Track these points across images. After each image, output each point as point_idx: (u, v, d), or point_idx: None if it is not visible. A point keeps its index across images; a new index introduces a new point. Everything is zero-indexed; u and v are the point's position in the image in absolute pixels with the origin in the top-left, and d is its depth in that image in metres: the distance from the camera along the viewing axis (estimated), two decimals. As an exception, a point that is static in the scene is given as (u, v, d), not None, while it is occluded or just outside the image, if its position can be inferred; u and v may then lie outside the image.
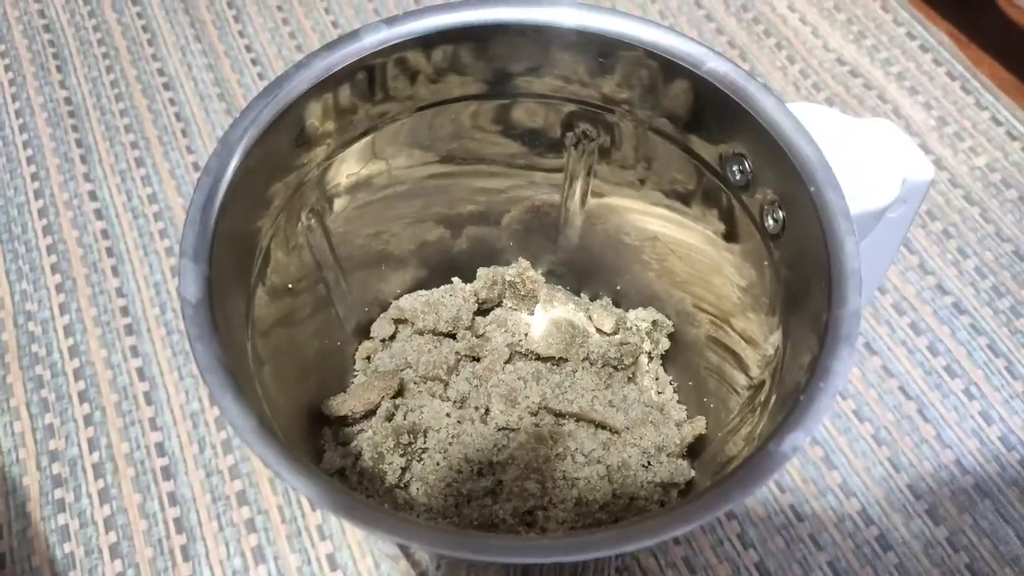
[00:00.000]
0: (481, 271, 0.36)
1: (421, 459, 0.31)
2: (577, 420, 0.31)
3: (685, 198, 0.31)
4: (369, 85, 0.28)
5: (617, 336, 0.35)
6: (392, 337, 0.35)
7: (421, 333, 0.34)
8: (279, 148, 0.26)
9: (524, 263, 0.35)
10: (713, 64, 0.26)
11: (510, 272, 0.35)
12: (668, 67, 0.27)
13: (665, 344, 0.35)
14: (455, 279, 0.36)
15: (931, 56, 0.51)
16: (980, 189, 0.47)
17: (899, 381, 0.41)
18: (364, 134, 0.29)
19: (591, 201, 0.35)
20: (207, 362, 0.20)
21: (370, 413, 0.32)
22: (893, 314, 0.43)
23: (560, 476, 0.30)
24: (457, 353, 0.33)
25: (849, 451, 0.39)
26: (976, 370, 0.41)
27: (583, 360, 0.33)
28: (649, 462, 0.31)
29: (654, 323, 0.35)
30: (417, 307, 0.34)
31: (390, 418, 0.31)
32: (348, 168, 0.30)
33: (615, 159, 0.32)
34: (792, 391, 0.23)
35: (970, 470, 0.39)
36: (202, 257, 0.22)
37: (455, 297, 0.35)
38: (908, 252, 0.45)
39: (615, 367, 0.34)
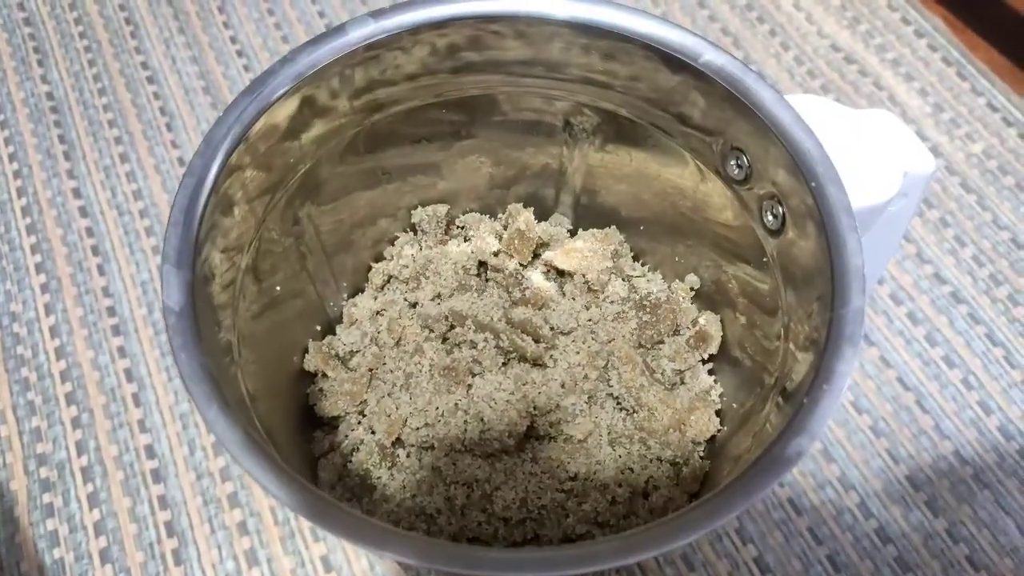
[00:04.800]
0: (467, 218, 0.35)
1: (409, 454, 0.30)
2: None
3: (683, 192, 0.30)
4: (355, 80, 0.27)
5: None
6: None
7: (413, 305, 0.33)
8: (264, 145, 0.25)
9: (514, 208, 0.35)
10: (709, 56, 0.25)
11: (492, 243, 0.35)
12: (663, 59, 0.26)
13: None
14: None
15: (926, 42, 0.51)
16: (977, 176, 0.46)
17: (897, 372, 0.41)
18: (351, 129, 0.29)
19: (584, 191, 0.34)
20: (191, 372, 0.20)
21: (360, 412, 0.31)
22: (891, 304, 0.42)
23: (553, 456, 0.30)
24: (447, 318, 0.32)
25: (848, 443, 0.39)
26: (974, 360, 0.41)
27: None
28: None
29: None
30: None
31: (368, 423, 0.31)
32: (335, 163, 0.29)
33: (610, 152, 0.31)
34: (796, 390, 0.22)
35: (969, 461, 0.39)
36: (185, 262, 0.21)
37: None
38: (905, 241, 0.44)
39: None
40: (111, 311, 0.43)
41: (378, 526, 0.18)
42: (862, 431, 0.39)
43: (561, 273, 0.34)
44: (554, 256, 0.33)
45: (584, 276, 0.33)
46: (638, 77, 0.28)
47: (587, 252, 0.33)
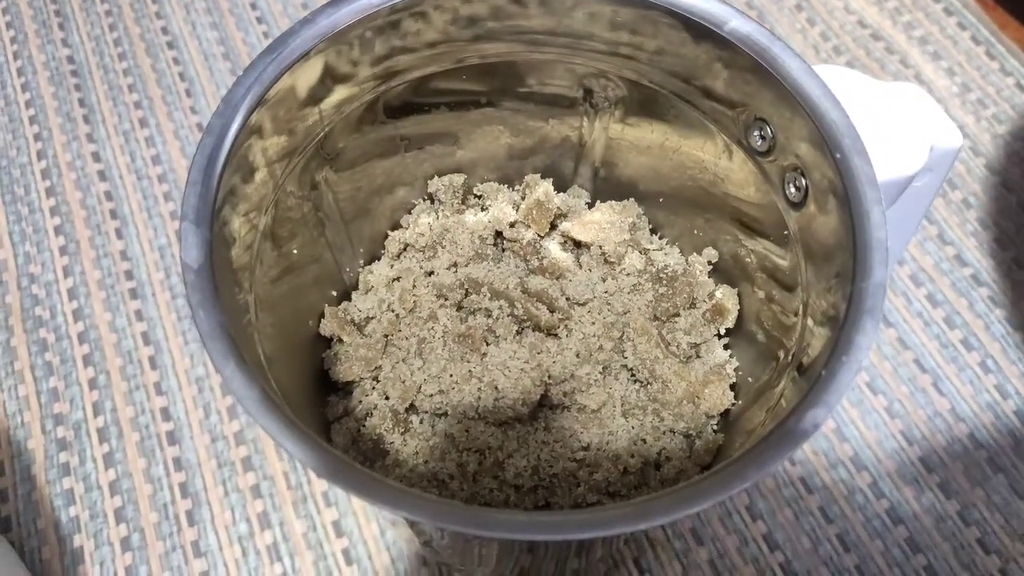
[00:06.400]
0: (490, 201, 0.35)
1: (422, 420, 0.30)
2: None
3: (703, 165, 0.30)
4: (375, 45, 0.27)
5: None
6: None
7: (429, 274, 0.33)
8: (283, 107, 0.25)
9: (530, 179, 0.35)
10: (735, 23, 0.25)
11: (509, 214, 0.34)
12: (687, 27, 0.26)
13: None
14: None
15: (955, 19, 0.50)
16: (1003, 158, 0.45)
17: (914, 353, 0.40)
18: (369, 95, 0.29)
19: (604, 164, 0.34)
20: (209, 329, 0.20)
21: (375, 378, 0.31)
22: (910, 285, 0.42)
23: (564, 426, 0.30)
24: (463, 284, 0.32)
25: (862, 424, 0.39)
26: (993, 343, 0.41)
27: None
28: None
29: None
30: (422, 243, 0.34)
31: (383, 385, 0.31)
32: (353, 129, 0.29)
33: (631, 124, 0.31)
34: (813, 364, 0.22)
35: (984, 444, 0.38)
36: (204, 220, 0.21)
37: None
38: (927, 222, 0.44)
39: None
40: (129, 275, 0.43)
41: (393, 486, 0.18)
42: (877, 412, 0.39)
43: (578, 244, 0.34)
44: (571, 227, 0.33)
45: (601, 248, 0.32)
46: (662, 49, 0.27)
47: (605, 224, 0.32)
